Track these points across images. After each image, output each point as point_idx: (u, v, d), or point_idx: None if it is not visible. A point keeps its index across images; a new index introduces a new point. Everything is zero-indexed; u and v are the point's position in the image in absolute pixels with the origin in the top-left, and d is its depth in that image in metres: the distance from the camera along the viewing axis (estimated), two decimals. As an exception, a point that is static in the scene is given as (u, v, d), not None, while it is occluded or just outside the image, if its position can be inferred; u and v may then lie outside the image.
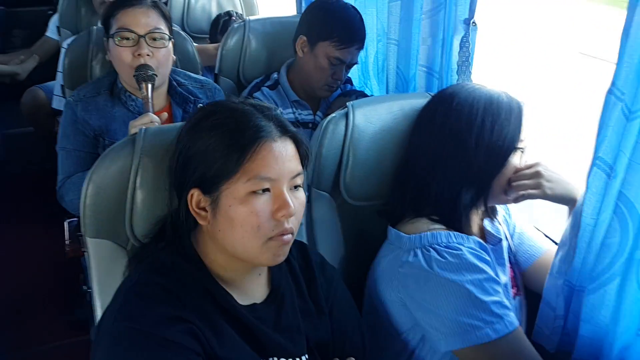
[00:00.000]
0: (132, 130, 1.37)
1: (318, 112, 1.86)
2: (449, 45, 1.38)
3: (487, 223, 1.18)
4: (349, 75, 1.84)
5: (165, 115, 1.50)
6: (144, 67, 1.50)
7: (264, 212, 0.85)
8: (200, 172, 0.87)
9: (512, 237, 1.29)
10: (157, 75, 1.50)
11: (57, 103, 2.34)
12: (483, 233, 1.18)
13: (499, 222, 1.23)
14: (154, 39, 1.54)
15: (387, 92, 1.67)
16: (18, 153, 3.27)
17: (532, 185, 1.09)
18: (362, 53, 1.74)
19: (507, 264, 1.19)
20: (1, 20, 3.94)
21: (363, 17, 1.69)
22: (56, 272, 2.44)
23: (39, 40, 3.26)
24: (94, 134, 1.59)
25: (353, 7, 1.73)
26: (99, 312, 1.00)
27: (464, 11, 1.32)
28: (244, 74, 1.92)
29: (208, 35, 2.59)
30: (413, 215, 1.13)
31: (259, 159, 0.85)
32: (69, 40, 2.28)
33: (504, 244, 1.19)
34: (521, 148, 1.11)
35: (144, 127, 1.08)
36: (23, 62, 3.13)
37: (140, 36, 1.51)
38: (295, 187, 0.90)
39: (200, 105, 1.66)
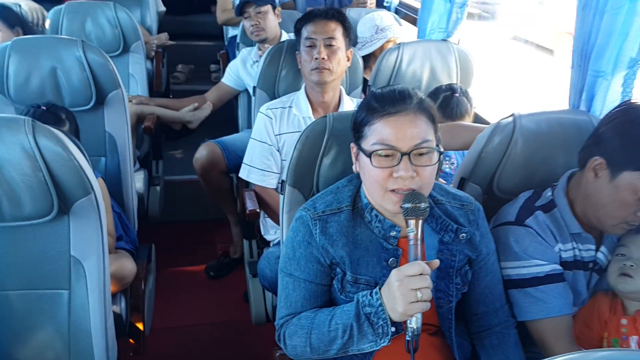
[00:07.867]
0: (405, 290, 1.07)
1: (602, 248, 1.40)
2: None
3: None
4: None
5: (437, 263, 1.13)
6: (414, 197, 1.13)
7: None
8: None
9: None
10: (429, 208, 1.14)
11: (246, 174, 2.07)
12: None
13: None
14: (420, 154, 1.17)
15: None
16: (178, 201, 3.12)
17: None
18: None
19: None
20: (168, 55, 3.88)
21: None
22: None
23: (212, 85, 3.10)
24: (331, 262, 1.25)
25: None
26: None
27: None
28: (500, 182, 1.49)
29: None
30: None
31: None
32: (272, 107, 2.02)
33: None
34: None
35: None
36: (196, 109, 2.95)
37: (403, 154, 1.16)
38: None
39: (463, 235, 1.28)
